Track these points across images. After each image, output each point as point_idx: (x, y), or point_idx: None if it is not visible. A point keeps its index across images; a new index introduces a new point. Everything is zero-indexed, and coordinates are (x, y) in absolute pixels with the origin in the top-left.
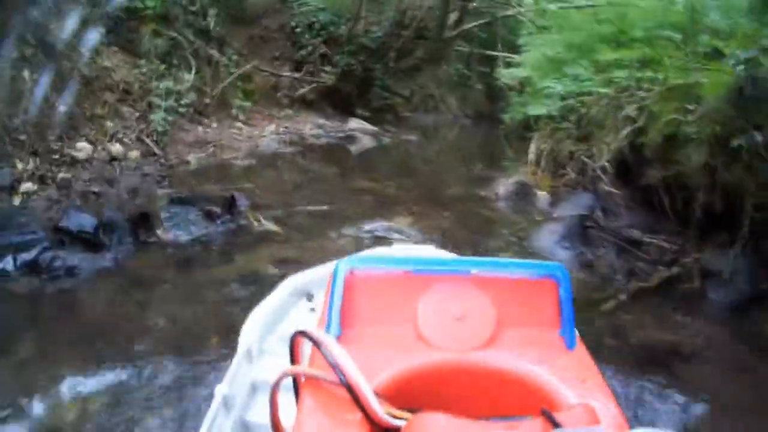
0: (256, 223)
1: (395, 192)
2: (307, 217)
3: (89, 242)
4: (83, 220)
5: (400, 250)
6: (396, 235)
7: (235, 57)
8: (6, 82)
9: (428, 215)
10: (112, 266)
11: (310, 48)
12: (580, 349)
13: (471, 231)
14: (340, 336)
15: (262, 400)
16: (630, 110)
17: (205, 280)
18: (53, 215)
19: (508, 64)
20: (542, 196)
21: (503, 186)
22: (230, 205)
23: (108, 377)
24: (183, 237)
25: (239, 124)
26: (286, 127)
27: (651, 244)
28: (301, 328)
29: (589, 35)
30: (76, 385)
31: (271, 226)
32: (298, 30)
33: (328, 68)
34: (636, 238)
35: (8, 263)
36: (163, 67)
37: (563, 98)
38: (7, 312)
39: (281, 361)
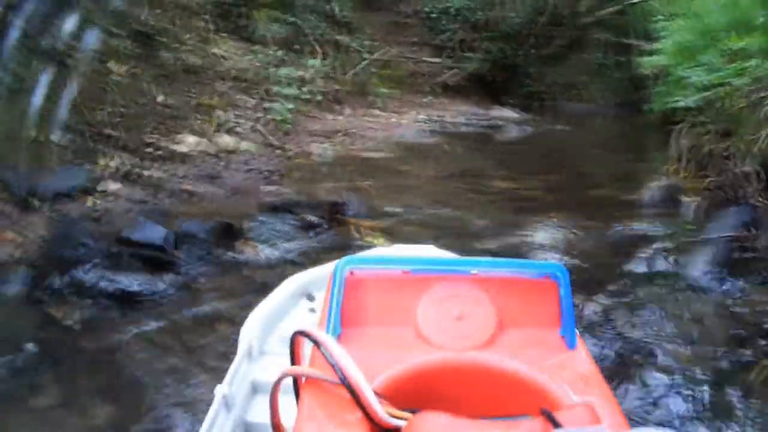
0: (358, 236)
1: (534, 194)
2: (425, 226)
3: (154, 259)
4: (152, 231)
5: (399, 250)
6: (526, 252)
7: (367, 42)
8: (83, 73)
9: (568, 226)
10: (174, 292)
11: (448, 33)
12: (581, 349)
13: (613, 251)
14: (340, 336)
15: (262, 400)
16: None
17: None
18: (134, 216)
19: (641, 53)
20: (688, 203)
21: (649, 190)
22: (335, 211)
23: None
24: (268, 254)
25: (376, 112)
26: (427, 115)
27: None
28: (301, 328)
29: (713, 21)
30: None
31: (377, 241)
32: (433, 15)
33: (469, 54)
34: None
35: (55, 281)
36: (281, 53)
37: (699, 89)
38: (40, 343)
39: (281, 361)
